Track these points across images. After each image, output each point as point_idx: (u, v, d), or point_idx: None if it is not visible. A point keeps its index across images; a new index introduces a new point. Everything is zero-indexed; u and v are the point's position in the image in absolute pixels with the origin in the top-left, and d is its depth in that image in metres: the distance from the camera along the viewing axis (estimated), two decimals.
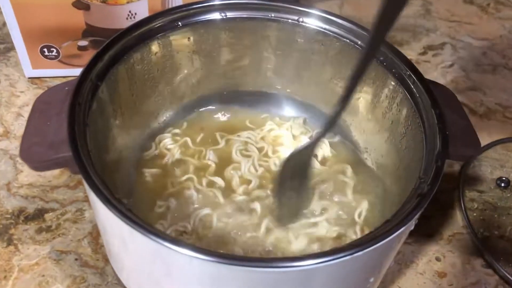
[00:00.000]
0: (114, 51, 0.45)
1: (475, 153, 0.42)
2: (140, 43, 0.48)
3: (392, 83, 0.48)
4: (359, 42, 0.50)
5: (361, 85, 0.52)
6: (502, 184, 0.61)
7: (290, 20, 0.52)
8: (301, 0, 0.65)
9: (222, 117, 0.58)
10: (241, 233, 0.47)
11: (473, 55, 0.81)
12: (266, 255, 0.45)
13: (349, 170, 0.53)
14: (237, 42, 0.54)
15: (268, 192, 0.50)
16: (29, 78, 0.69)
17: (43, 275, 0.50)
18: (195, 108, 0.58)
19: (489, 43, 0.84)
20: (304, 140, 0.56)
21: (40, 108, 0.41)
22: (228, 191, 0.51)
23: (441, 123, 0.42)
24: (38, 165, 0.38)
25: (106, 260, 0.51)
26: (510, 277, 0.53)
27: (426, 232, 0.57)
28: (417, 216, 0.36)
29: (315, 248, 0.46)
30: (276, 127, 0.57)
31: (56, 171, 0.58)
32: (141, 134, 0.54)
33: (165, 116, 0.56)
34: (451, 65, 0.79)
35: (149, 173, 0.52)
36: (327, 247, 0.46)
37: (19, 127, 0.63)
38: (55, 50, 0.66)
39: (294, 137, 0.57)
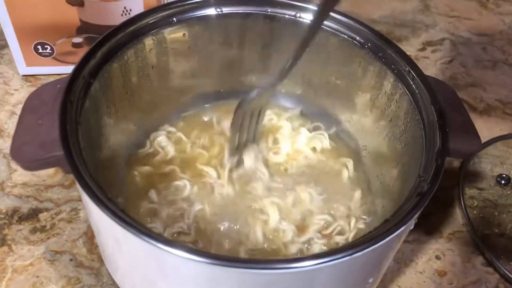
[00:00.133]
0: (107, 47, 0.44)
1: (476, 151, 0.41)
2: (134, 39, 0.47)
3: (391, 79, 0.47)
4: (357, 38, 0.49)
5: (359, 81, 0.51)
6: (503, 182, 0.61)
7: (287, 16, 0.51)
8: None
9: (220, 114, 0.58)
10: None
11: (472, 51, 0.81)
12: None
13: (350, 164, 0.53)
14: (233, 38, 0.53)
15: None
16: (23, 75, 0.68)
17: (38, 276, 0.49)
18: (191, 105, 0.57)
19: (489, 38, 0.83)
20: (302, 132, 0.56)
21: (31, 106, 0.40)
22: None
23: (441, 120, 0.41)
24: (30, 165, 0.37)
25: (102, 261, 0.50)
26: (510, 275, 0.52)
27: (425, 230, 0.56)
28: (416, 216, 0.35)
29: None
30: (275, 117, 0.57)
31: (50, 170, 0.57)
32: (135, 132, 0.53)
33: (160, 113, 0.55)
34: (450, 61, 0.79)
35: (139, 171, 0.51)
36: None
37: (13, 126, 0.62)
38: (49, 47, 0.65)
39: (293, 129, 0.57)
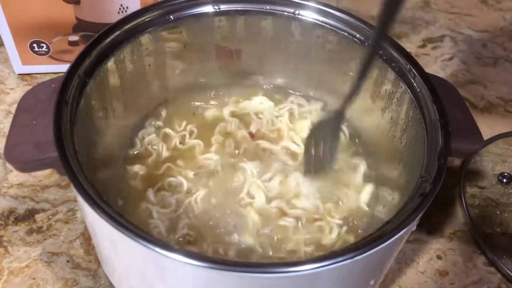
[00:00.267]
0: (102, 46, 0.44)
1: (478, 149, 0.41)
2: (130, 37, 0.46)
3: (392, 77, 0.46)
4: (357, 35, 0.48)
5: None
6: (504, 180, 0.60)
7: (285, 13, 0.51)
8: None
9: (218, 113, 0.57)
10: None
11: (473, 48, 0.80)
12: None
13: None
14: (231, 36, 0.53)
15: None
16: (19, 74, 0.67)
17: (34, 278, 0.49)
18: (189, 103, 0.56)
19: (489, 35, 0.83)
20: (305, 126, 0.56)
21: (25, 106, 0.39)
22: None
23: (443, 118, 0.40)
24: (24, 166, 0.36)
25: (99, 262, 0.49)
26: None
27: (426, 229, 0.56)
28: (419, 217, 0.34)
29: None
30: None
31: (46, 170, 0.57)
32: (132, 131, 0.52)
33: (157, 113, 0.55)
34: (451, 58, 0.78)
35: (134, 170, 0.50)
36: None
37: (8, 125, 0.61)
38: (45, 46, 0.65)
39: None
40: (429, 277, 0.52)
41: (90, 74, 0.42)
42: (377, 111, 0.50)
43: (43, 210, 0.54)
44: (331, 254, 0.31)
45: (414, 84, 0.44)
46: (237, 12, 0.50)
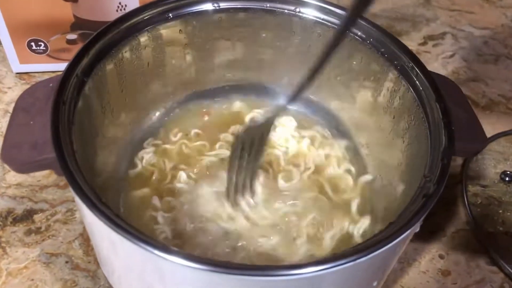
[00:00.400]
0: (101, 45, 0.43)
1: (482, 149, 0.40)
2: (128, 36, 0.46)
3: (394, 75, 0.46)
4: (359, 33, 0.48)
5: (360, 78, 0.50)
6: (506, 178, 0.60)
7: (286, 11, 0.50)
8: None
9: (217, 111, 0.57)
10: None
11: (474, 45, 0.80)
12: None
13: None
14: (231, 34, 0.52)
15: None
16: (17, 73, 0.67)
17: (32, 279, 0.48)
18: (188, 103, 0.56)
19: (491, 32, 0.82)
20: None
21: (23, 106, 0.39)
22: None
23: (446, 117, 0.40)
24: (21, 167, 0.36)
25: (98, 263, 0.49)
26: None
27: (428, 229, 0.55)
28: (423, 218, 0.34)
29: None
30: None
31: (45, 170, 0.56)
32: (131, 131, 0.52)
33: (157, 112, 0.55)
34: (452, 56, 0.78)
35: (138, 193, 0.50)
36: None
37: (6, 125, 0.61)
38: (43, 44, 0.64)
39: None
40: (432, 277, 0.52)
41: (88, 73, 0.42)
42: (379, 110, 0.49)
43: (42, 211, 0.53)
44: (334, 257, 0.30)
45: (417, 82, 0.44)
46: (237, 9, 0.50)
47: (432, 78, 0.43)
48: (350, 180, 0.51)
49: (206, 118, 0.56)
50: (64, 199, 0.54)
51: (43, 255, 0.50)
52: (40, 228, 0.52)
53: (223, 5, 0.50)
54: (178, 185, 0.49)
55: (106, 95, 0.45)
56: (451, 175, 0.59)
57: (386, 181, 0.49)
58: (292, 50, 0.53)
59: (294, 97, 0.39)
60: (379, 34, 0.47)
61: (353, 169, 0.52)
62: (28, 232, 0.51)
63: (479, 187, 0.59)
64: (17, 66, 0.66)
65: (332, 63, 0.51)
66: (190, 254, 0.30)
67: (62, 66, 0.66)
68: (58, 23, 0.62)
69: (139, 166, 0.50)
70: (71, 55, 0.65)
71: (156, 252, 0.30)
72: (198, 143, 0.53)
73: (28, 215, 0.53)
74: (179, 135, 0.54)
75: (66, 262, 0.49)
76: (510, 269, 0.52)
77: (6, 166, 0.57)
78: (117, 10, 0.62)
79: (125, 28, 0.45)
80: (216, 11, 0.50)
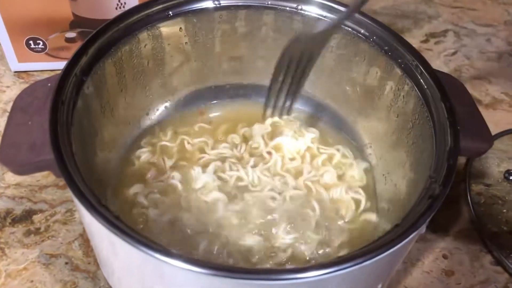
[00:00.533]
0: (100, 43, 0.43)
1: (488, 149, 0.40)
2: (128, 34, 0.45)
3: (398, 74, 0.45)
4: (361, 31, 0.47)
5: (364, 76, 0.50)
6: (510, 177, 0.59)
7: (288, 8, 0.50)
8: None
9: (218, 110, 0.56)
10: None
11: (477, 43, 0.79)
12: None
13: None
14: (232, 32, 0.52)
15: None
16: (15, 72, 0.66)
17: (32, 281, 0.48)
18: (188, 103, 0.56)
19: (493, 29, 0.82)
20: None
21: (20, 106, 0.38)
22: None
23: (452, 117, 0.39)
24: (19, 169, 0.35)
25: (98, 264, 0.48)
26: None
27: (431, 228, 0.55)
28: (429, 220, 0.33)
29: None
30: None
31: None
32: (131, 131, 0.51)
33: (157, 112, 0.54)
34: (454, 53, 0.77)
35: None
36: None
37: (4, 125, 0.60)
38: (41, 43, 0.64)
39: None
40: (435, 277, 0.51)
41: (87, 72, 0.41)
42: (382, 109, 0.49)
43: (41, 211, 0.53)
44: (339, 260, 0.30)
45: (421, 81, 0.43)
46: (238, 7, 0.49)
47: (437, 76, 0.42)
48: (352, 210, 0.49)
49: (206, 117, 0.56)
50: (63, 199, 0.54)
51: (43, 256, 0.49)
52: (40, 228, 0.51)
53: (223, 2, 0.49)
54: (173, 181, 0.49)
55: (105, 94, 0.45)
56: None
57: (390, 181, 0.48)
58: None
59: (349, 15, 0.40)
60: (383, 31, 0.47)
61: (363, 201, 0.49)
62: (27, 233, 0.51)
63: (482, 186, 0.59)
64: (15, 64, 0.66)
65: (334, 62, 0.52)
66: (191, 258, 0.30)
67: (61, 65, 0.65)
68: (56, 21, 0.62)
69: (136, 165, 0.50)
70: (70, 54, 0.64)
71: (157, 255, 0.30)
72: (198, 139, 0.53)
73: (27, 216, 0.52)
74: (179, 134, 0.53)
75: (66, 263, 0.49)
76: None
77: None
78: (116, 8, 0.62)
79: (124, 26, 0.45)
80: (217, 8, 0.49)
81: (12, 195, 0.54)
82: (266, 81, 0.56)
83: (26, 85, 0.62)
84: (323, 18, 0.49)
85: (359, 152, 0.53)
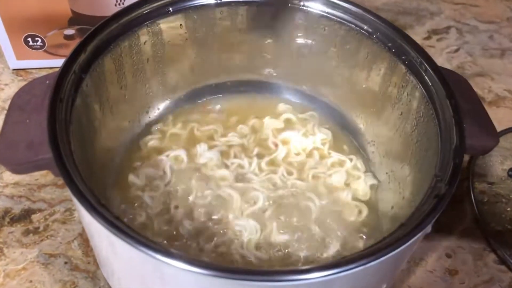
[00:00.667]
0: (99, 40, 0.42)
1: (493, 146, 0.39)
2: (127, 31, 0.45)
3: (402, 71, 0.45)
4: (365, 27, 0.47)
5: (367, 73, 0.49)
6: None
7: (290, 4, 0.49)
8: None
9: (218, 110, 0.56)
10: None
11: (479, 39, 0.79)
12: None
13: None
14: (233, 29, 0.51)
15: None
16: (14, 69, 0.66)
17: (31, 281, 0.47)
18: (188, 100, 0.55)
19: (496, 26, 0.81)
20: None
21: (18, 104, 0.38)
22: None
23: (457, 114, 0.39)
24: (17, 168, 0.35)
25: (98, 264, 0.48)
26: None
27: (435, 227, 0.54)
28: (435, 219, 0.33)
29: None
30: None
31: None
32: (131, 130, 0.51)
33: (157, 110, 0.54)
34: (456, 50, 0.77)
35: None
36: None
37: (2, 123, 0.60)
38: (40, 40, 0.63)
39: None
40: (439, 276, 0.51)
41: (86, 70, 0.41)
42: (386, 106, 0.48)
43: (40, 210, 0.52)
44: (343, 261, 0.29)
45: (426, 78, 0.43)
46: (239, 3, 0.49)
47: (441, 73, 0.42)
48: (353, 215, 0.48)
49: (206, 114, 0.55)
50: (62, 198, 0.53)
51: (42, 255, 0.49)
52: (38, 228, 0.51)
53: None
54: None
55: (104, 92, 0.45)
56: None
57: (393, 179, 0.48)
58: (296, 45, 0.52)
59: None
60: (386, 28, 0.46)
61: (365, 210, 0.48)
62: (26, 233, 0.51)
63: (486, 184, 0.58)
64: (13, 62, 0.65)
65: (337, 59, 0.51)
66: (191, 258, 0.29)
67: (60, 62, 0.64)
68: (55, 18, 0.62)
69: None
70: (68, 51, 0.64)
71: (157, 256, 0.29)
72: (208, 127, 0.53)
73: (26, 215, 0.52)
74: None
75: (65, 263, 0.49)
76: None
77: None
78: (115, 5, 0.62)
79: (124, 23, 0.44)
80: (218, 5, 0.49)
81: (11, 194, 0.53)
82: (267, 77, 0.56)
83: (25, 83, 0.62)
84: (326, 14, 0.48)
85: (369, 166, 0.52)
